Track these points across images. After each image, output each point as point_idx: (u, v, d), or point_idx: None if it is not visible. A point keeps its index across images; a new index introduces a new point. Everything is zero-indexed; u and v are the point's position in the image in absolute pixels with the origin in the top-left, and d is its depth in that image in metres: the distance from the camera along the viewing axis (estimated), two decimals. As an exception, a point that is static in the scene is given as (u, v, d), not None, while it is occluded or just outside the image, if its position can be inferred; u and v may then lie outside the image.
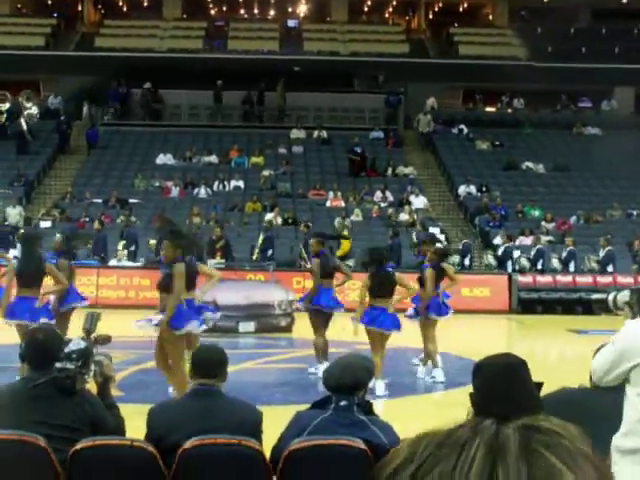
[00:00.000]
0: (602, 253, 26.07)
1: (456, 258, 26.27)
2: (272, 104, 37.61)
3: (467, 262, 26.68)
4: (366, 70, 38.90)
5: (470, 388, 3.52)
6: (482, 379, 3.30)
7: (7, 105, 33.30)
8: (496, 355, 3.58)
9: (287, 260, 25.92)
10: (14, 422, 5.05)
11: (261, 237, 25.73)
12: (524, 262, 26.26)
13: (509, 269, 26.02)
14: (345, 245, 26.05)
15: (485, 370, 3.38)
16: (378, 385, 12.23)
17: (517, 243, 27.55)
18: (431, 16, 44.63)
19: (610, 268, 25.78)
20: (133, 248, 25.90)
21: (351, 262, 24.22)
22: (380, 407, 11.38)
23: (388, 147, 35.31)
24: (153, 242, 26.46)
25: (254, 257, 25.46)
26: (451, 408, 11.41)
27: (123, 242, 25.95)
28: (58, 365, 5.25)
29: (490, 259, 26.78)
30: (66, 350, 5.34)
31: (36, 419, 5.07)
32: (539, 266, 26.02)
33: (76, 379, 5.22)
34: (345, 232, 25.82)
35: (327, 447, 4.99)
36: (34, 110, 33.08)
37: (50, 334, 5.52)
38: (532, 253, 26.40)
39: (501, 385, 3.21)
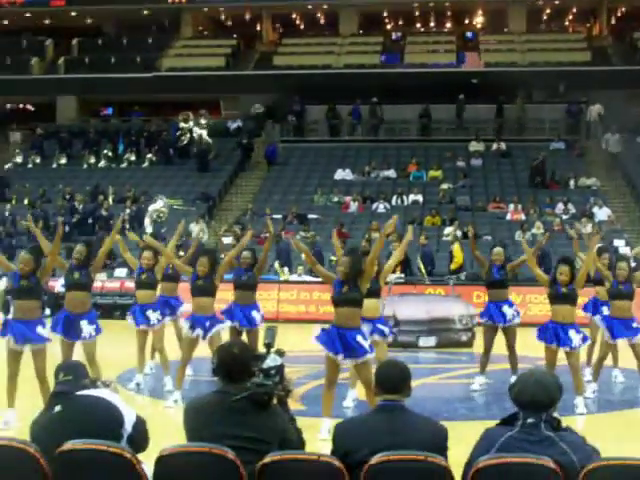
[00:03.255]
0: None
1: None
2: (451, 117, 37.42)
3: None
4: (546, 80, 38.15)
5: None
6: None
7: (190, 124, 34.32)
8: None
9: (467, 274, 25.59)
10: (209, 434, 5.13)
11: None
12: None
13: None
14: (458, 258, 25.72)
15: None
16: (578, 401, 11.93)
17: None
18: (614, 21, 43.45)
19: None
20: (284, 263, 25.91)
21: (462, 275, 23.80)
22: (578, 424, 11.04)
23: (574, 158, 34.45)
24: None
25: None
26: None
27: (277, 262, 26.04)
28: (257, 380, 5.34)
29: None
30: (264, 366, 5.44)
31: (229, 432, 5.13)
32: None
33: (272, 395, 5.31)
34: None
35: (515, 465, 4.84)
36: (203, 130, 34.13)
37: (244, 348, 5.58)
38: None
39: None
